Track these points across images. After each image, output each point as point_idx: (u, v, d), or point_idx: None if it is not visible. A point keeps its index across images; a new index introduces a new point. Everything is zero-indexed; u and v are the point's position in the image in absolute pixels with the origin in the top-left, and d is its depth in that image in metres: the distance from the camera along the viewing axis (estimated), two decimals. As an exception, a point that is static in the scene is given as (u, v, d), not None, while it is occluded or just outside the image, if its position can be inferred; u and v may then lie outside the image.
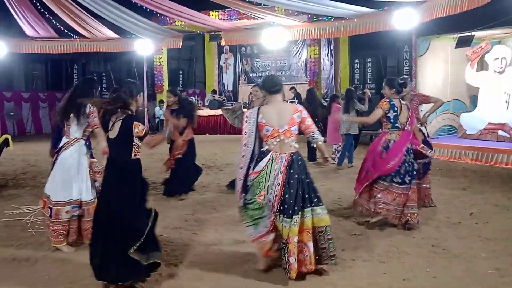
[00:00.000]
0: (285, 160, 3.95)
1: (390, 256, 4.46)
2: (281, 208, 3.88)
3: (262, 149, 4.05)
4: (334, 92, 15.53)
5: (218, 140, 14.97)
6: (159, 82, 18.91)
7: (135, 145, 3.78)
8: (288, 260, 3.84)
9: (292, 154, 3.99)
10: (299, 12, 14.31)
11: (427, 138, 6.19)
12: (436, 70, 11.66)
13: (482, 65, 11.62)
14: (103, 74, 20.00)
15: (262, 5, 12.94)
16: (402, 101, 5.40)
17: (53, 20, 14.79)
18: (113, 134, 3.81)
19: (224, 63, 20.75)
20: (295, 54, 18.78)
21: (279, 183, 3.91)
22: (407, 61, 13.71)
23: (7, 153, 10.41)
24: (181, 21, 16.16)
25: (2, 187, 8.04)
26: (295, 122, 4.02)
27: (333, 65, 18.19)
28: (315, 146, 4.33)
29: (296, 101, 16.82)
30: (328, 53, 18.25)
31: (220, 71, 20.82)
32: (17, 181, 8.76)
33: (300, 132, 4.12)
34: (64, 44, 16.09)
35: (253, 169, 4.00)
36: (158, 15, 15.16)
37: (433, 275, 4.02)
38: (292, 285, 3.86)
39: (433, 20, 10.39)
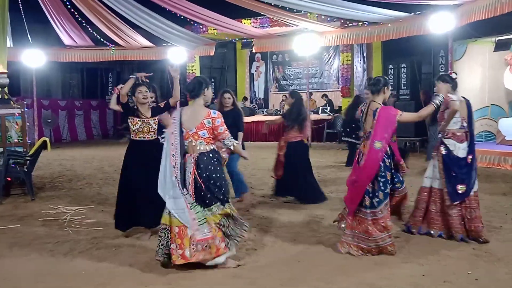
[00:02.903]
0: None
1: (429, 259, 4.33)
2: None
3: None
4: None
5: (249, 147, 14.90)
6: (191, 89, 19.09)
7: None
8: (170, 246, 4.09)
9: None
10: (332, 18, 14.24)
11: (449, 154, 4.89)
12: (474, 75, 11.38)
13: (522, 69, 11.29)
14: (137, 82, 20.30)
15: (295, 11, 12.94)
16: (371, 105, 4.65)
17: (90, 29, 15.16)
18: None
19: (255, 71, 20.80)
20: (327, 61, 18.65)
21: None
22: (443, 66, 13.43)
23: (44, 158, 10.72)
24: (214, 29, 16.32)
25: (39, 189, 8.23)
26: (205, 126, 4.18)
27: (365, 72, 17.99)
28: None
29: (329, 108, 16.75)
30: (360, 59, 18.05)
31: (251, 79, 20.87)
32: (54, 183, 8.97)
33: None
34: (100, 53, 16.48)
35: None
36: (192, 22, 15.34)
37: (475, 278, 3.87)
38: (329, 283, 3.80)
39: (470, 23, 10.18)
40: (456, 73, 5.31)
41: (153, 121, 5.09)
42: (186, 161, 4.15)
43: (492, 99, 11.53)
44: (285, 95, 18.44)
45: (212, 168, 4.15)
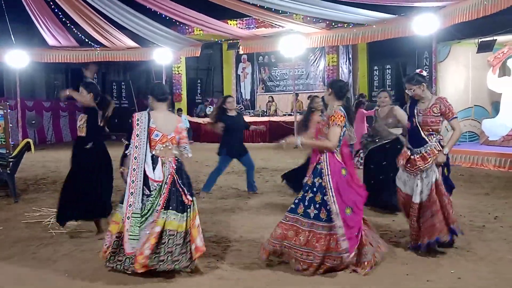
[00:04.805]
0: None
1: (412, 258, 4.37)
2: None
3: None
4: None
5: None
6: (177, 91, 19.04)
7: None
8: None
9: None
10: (317, 19, 14.29)
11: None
12: (457, 76, 11.51)
13: (504, 71, 11.44)
14: (123, 83, 20.24)
15: (280, 12, 12.96)
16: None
17: (74, 30, 15.01)
18: None
19: (242, 72, 20.78)
20: (313, 62, 18.72)
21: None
22: (427, 67, 13.57)
23: (28, 159, 10.58)
24: (200, 30, 16.29)
25: (23, 191, 8.13)
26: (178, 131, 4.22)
27: (351, 73, 18.11)
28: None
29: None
30: (346, 61, 18.17)
31: (238, 80, 20.84)
32: (38, 185, 8.86)
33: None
34: (85, 54, 16.30)
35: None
36: (177, 23, 15.28)
37: (458, 276, 3.91)
38: (313, 283, 3.80)
39: (453, 25, 10.28)
40: (424, 71, 5.33)
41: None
42: (163, 165, 4.10)
43: (475, 100, 11.68)
44: (271, 96, 18.55)
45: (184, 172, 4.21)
